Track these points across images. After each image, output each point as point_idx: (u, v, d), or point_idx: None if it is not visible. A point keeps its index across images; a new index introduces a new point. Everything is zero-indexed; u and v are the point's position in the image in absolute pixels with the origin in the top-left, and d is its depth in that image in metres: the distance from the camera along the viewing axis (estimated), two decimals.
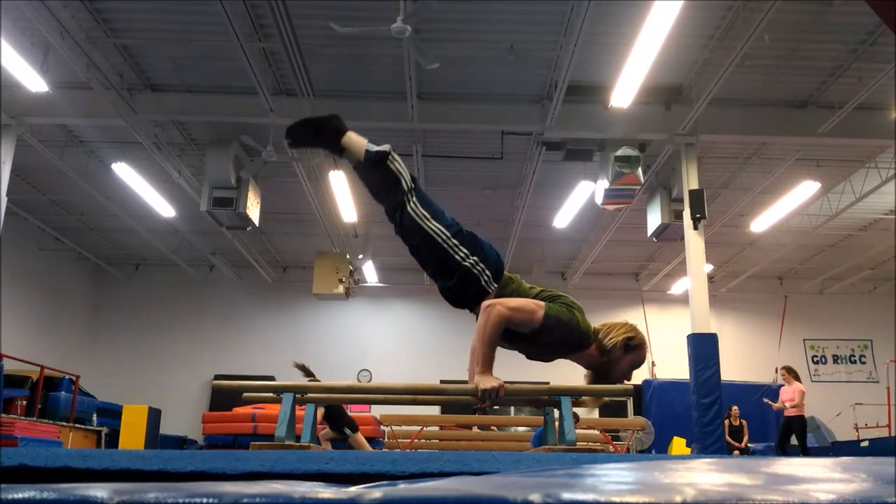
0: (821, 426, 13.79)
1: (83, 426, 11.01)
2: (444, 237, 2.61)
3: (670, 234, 10.21)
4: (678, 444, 11.66)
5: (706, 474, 0.68)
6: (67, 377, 11.25)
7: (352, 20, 7.11)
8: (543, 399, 3.15)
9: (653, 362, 15.22)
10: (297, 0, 7.11)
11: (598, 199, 9.81)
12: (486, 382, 2.51)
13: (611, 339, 2.64)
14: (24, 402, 10.13)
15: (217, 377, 14.48)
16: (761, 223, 12.03)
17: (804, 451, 10.52)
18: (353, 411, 11.74)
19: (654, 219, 10.21)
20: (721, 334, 9.44)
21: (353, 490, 0.57)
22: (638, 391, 14.44)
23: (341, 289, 12.94)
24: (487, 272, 2.62)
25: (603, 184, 9.49)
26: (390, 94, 8.77)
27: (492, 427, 11.70)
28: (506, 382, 2.54)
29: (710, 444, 8.24)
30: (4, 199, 9.00)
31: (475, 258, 2.62)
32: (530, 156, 10.11)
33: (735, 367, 13.78)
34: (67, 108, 8.79)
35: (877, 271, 15.09)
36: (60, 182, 11.28)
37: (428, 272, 2.76)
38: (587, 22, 6.85)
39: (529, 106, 9.12)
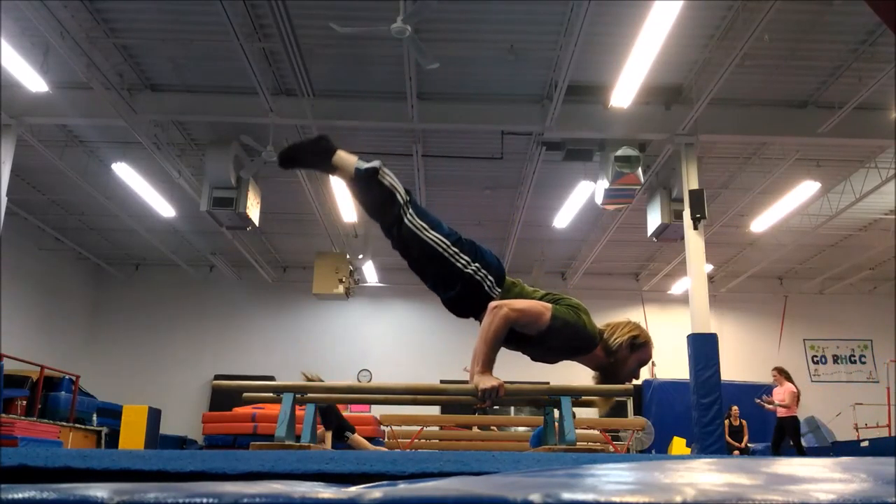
0: (821, 426, 13.80)
1: (83, 426, 11.01)
2: (443, 246, 2.60)
3: (670, 234, 10.21)
4: (678, 444, 11.66)
5: (706, 474, 0.68)
6: (67, 377, 11.25)
7: (352, 20, 7.11)
8: (543, 399, 3.15)
9: (653, 362, 15.21)
10: (297, 0, 7.11)
11: (598, 199, 9.81)
12: (485, 382, 2.51)
13: (616, 339, 2.65)
14: (24, 402, 10.13)
15: (217, 377, 14.49)
16: (761, 223, 12.03)
17: (800, 451, 10.53)
18: (353, 411, 11.76)
19: (654, 219, 10.21)
20: (721, 334, 9.45)
21: (353, 490, 0.57)
22: (638, 391, 14.45)
23: (341, 289, 12.94)
24: (490, 278, 2.62)
25: (603, 184, 9.49)
26: (390, 94, 8.77)
27: (492, 427, 11.70)
28: (506, 382, 2.54)
29: (710, 444, 8.24)
30: (4, 199, 9.00)
31: (477, 265, 2.62)
32: (530, 156, 10.11)
33: (735, 367, 13.78)
34: (67, 108, 8.79)
35: (877, 271, 15.09)
36: (60, 182, 11.29)
37: (429, 284, 2.74)
38: (587, 22, 6.86)
39: (529, 106, 9.12)
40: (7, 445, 7.67)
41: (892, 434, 12.83)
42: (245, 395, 3.21)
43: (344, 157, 2.70)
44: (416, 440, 9.30)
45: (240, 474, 0.91)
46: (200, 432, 11.56)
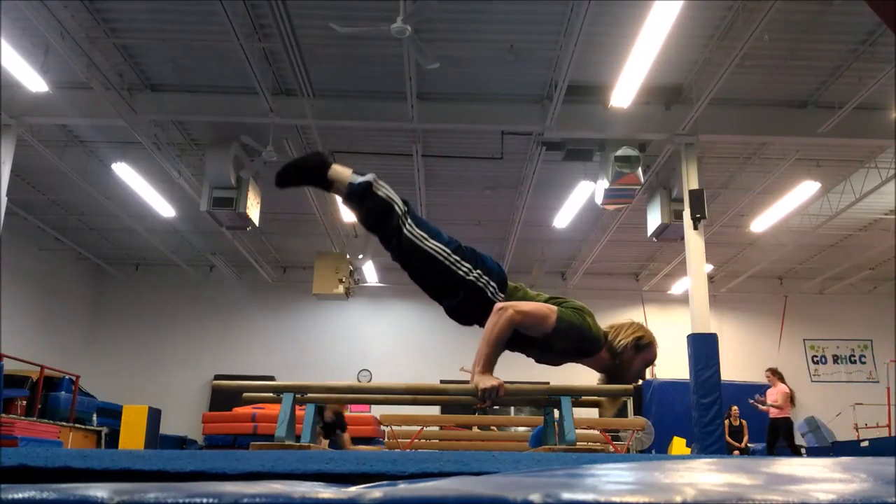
0: (821, 426, 13.78)
1: (83, 426, 11.01)
2: (444, 255, 2.60)
3: (670, 234, 10.21)
4: (678, 444, 11.65)
5: (706, 474, 0.68)
6: (67, 377, 11.25)
7: (352, 20, 7.11)
8: (543, 399, 3.15)
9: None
10: (297, 0, 7.12)
11: (598, 199, 9.81)
12: (485, 382, 2.51)
13: (620, 340, 2.65)
14: (24, 402, 10.13)
15: (217, 377, 14.49)
16: (761, 223, 12.03)
17: (794, 451, 10.54)
18: (353, 411, 11.77)
19: (654, 219, 10.21)
20: (721, 334, 9.45)
21: (353, 490, 0.57)
22: (638, 391, 14.44)
23: (341, 289, 12.94)
24: (492, 284, 2.62)
25: (603, 184, 9.49)
26: (390, 94, 8.77)
27: (492, 427, 11.70)
28: (506, 382, 2.54)
29: (710, 444, 8.24)
30: (4, 199, 9.00)
31: (478, 272, 2.61)
32: (530, 156, 10.11)
33: (735, 367, 13.78)
34: (67, 108, 8.79)
35: (877, 271, 15.09)
36: (60, 182, 11.29)
37: (431, 294, 2.73)
38: (587, 22, 6.86)
39: (529, 106, 9.12)
40: (7, 445, 7.67)
41: (892, 434, 12.82)
42: (245, 395, 3.21)
43: (339, 171, 2.69)
44: (416, 440, 9.30)
45: (240, 474, 0.91)
46: (200, 432, 11.56)
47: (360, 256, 13.94)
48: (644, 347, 2.68)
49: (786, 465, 0.76)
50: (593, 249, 13.78)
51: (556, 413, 3.02)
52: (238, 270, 15.79)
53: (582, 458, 1.96)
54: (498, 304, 2.54)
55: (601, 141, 9.35)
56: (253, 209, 9.99)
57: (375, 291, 15.94)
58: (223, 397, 13.44)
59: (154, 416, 11.30)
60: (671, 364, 14.49)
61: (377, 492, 0.55)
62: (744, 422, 11.73)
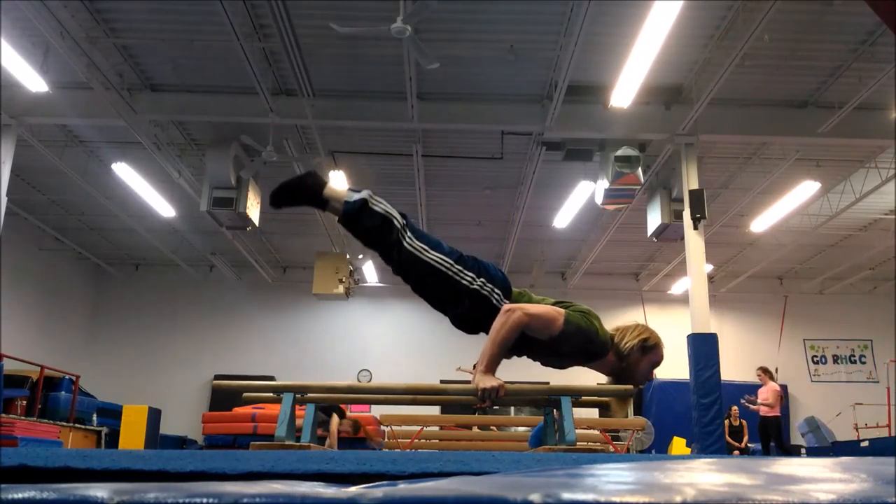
0: (821, 426, 13.79)
1: (83, 426, 11.01)
2: (446, 265, 2.59)
3: (670, 234, 10.21)
4: (678, 444, 11.66)
5: (706, 474, 0.68)
6: (67, 377, 11.25)
7: (352, 20, 7.11)
8: (543, 399, 3.15)
9: None
10: (297, 0, 7.12)
11: (598, 199, 9.82)
12: (486, 382, 2.51)
13: (626, 342, 2.65)
14: (24, 402, 10.13)
15: (217, 377, 14.49)
16: (761, 223, 12.03)
17: (783, 450, 10.54)
18: (353, 411, 11.75)
19: (654, 219, 10.21)
20: (721, 334, 9.45)
21: (353, 490, 0.57)
22: (638, 391, 14.43)
23: (341, 289, 12.94)
24: (497, 291, 2.62)
25: (603, 184, 9.49)
26: (390, 94, 8.77)
27: (492, 427, 11.70)
28: (506, 382, 2.54)
29: (710, 444, 8.24)
30: (4, 199, 9.00)
31: (482, 280, 2.61)
32: (530, 156, 10.11)
33: (735, 367, 13.78)
34: (67, 108, 8.79)
35: (877, 271, 15.09)
36: (60, 182, 11.29)
37: (435, 305, 2.72)
38: (587, 22, 6.86)
39: (529, 106, 9.12)
40: (7, 445, 7.67)
41: (892, 434, 12.82)
42: (245, 395, 3.20)
43: (334, 190, 2.68)
44: (416, 440, 9.30)
45: (240, 474, 0.91)
46: (200, 432, 11.56)
47: (361, 256, 13.95)
48: (650, 349, 2.69)
49: (786, 465, 0.76)
50: (593, 249, 13.78)
51: (556, 413, 3.02)
52: (238, 270, 15.79)
53: (582, 458, 1.96)
54: (506, 306, 2.54)
55: (601, 141, 9.35)
56: (253, 209, 10.00)
57: (375, 291, 15.94)
58: (223, 397, 13.44)
59: (154, 416, 11.30)
60: (671, 364, 14.48)
61: (377, 492, 0.55)
62: (744, 422, 11.73)
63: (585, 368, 2.78)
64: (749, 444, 11.70)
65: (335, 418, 7.68)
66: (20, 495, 0.53)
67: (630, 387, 2.78)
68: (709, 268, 11.96)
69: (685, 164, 9.19)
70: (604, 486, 0.55)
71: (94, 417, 11.69)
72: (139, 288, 16.10)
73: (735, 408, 11.70)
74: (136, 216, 12.37)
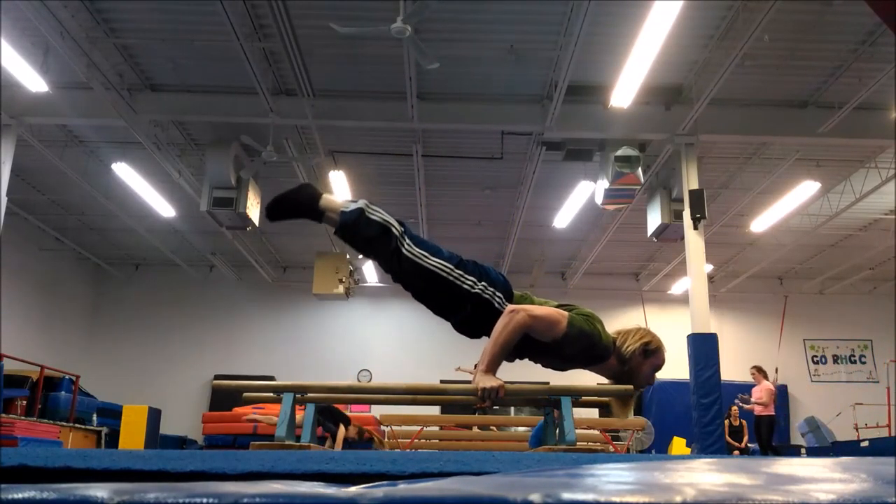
0: (821, 426, 13.79)
1: (83, 426, 11.01)
2: (447, 270, 2.58)
3: (670, 234, 10.21)
4: (678, 444, 11.66)
5: (706, 474, 0.68)
6: (67, 377, 11.25)
7: (352, 20, 7.11)
8: (543, 399, 3.15)
9: None
10: (297, 0, 7.12)
11: (598, 199, 9.81)
12: (486, 382, 2.51)
13: (628, 346, 2.66)
14: (24, 402, 10.13)
15: (217, 377, 14.49)
16: (761, 223, 12.03)
17: (770, 450, 10.55)
18: (353, 411, 11.77)
19: (654, 219, 10.21)
20: (721, 334, 9.45)
21: (353, 490, 0.57)
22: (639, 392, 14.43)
23: (341, 289, 12.94)
24: (498, 295, 2.62)
25: (603, 184, 9.49)
26: (390, 94, 8.77)
27: (492, 427, 11.70)
28: (506, 382, 2.54)
29: (710, 444, 8.24)
30: (4, 199, 9.00)
31: (483, 284, 2.60)
32: (530, 156, 10.11)
33: (735, 367, 13.78)
34: (67, 108, 8.79)
35: (877, 271, 15.09)
36: (60, 182, 11.29)
37: (437, 311, 2.71)
38: (587, 22, 6.86)
39: (529, 106, 9.12)
40: (7, 445, 7.67)
41: (892, 434, 12.82)
42: (245, 395, 3.20)
43: (330, 200, 2.67)
44: (416, 440, 9.30)
45: (240, 474, 0.91)
46: (200, 432, 11.57)
47: (360, 256, 13.93)
48: (652, 353, 2.69)
49: (786, 465, 0.76)
50: (593, 249, 13.78)
51: (556, 413, 3.02)
52: (238, 270, 15.79)
53: (582, 458, 1.96)
54: (510, 307, 2.53)
55: (601, 141, 9.35)
56: (253, 209, 10.00)
57: (375, 291, 15.94)
58: (223, 397, 13.45)
59: (154, 416, 11.30)
60: (671, 364, 14.48)
61: (377, 492, 0.55)
62: (744, 422, 11.73)
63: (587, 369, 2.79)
64: (749, 444, 11.70)
65: (342, 429, 7.67)
66: (20, 495, 0.53)
67: (630, 386, 2.78)
68: (709, 268, 11.96)
69: (685, 164, 9.19)
70: (604, 486, 0.55)
71: (94, 417, 11.69)
72: (139, 288, 16.10)
73: (735, 408, 11.70)
74: (136, 216, 12.37)
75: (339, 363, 15.38)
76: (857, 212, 11.89)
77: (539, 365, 2.84)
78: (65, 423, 10.37)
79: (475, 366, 2.65)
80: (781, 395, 15.49)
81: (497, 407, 3.34)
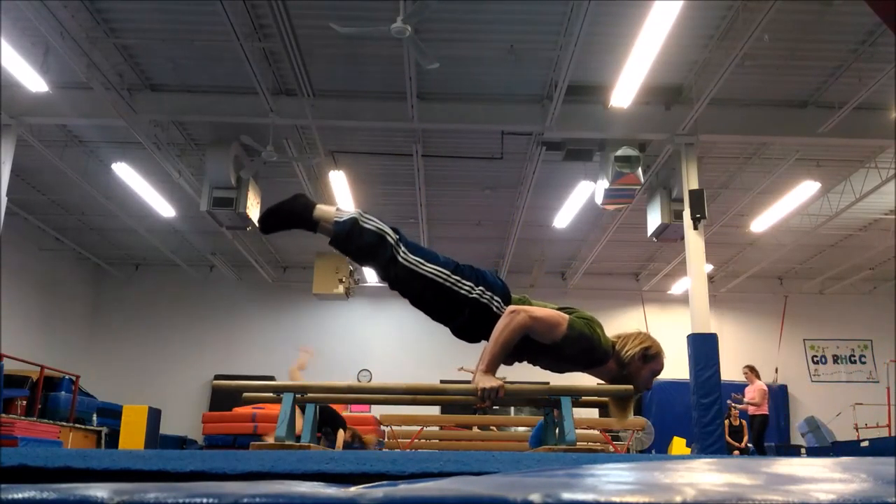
0: (821, 426, 13.79)
1: (83, 426, 11.01)
2: (444, 276, 2.58)
3: (670, 234, 10.21)
4: (678, 444, 11.66)
5: (706, 474, 0.68)
6: (67, 377, 11.25)
7: (352, 20, 7.11)
8: (543, 399, 3.15)
9: None
10: (297, 0, 7.12)
11: (598, 199, 9.81)
12: (486, 382, 2.51)
13: (628, 350, 2.66)
14: (24, 402, 10.13)
15: (217, 377, 14.49)
16: (761, 223, 12.03)
17: (759, 449, 10.55)
18: (353, 411, 11.77)
19: (654, 219, 10.21)
20: (721, 334, 9.45)
21: (353, 490, 0.57)
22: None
23: (341, 289, 12.94)
24: (496, 298, 2.61)
25: (603, 184, 9.49)
26: (390, 94, 8.77)
27: (492, 427, 11.70)
28: (506, 382, 2.54)
29: (710, 444, 8.24)
30: (4, 199, 9.00)
31: (481, 288, 2.60)
32: (530, 156, 10.11)
33: (735, 367, 13.76)
34: (67, 108, 8.79)
35: (877, 271, 15.09)
36: (60, 182, 11.29)
37: (436, 317, 2.71)
38: (587, 22, 6.86)
39: (529, 106, 9.12)
40: (7, 445, 7.67)
41: (892, 434, 12.82)
42: (245, 395, 3.20)
43: (324, 210, 2.67)
44: (416, 440, 9.30)
45: (240, 474, 0.91)
46: (200, 432, 11.56)
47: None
48: (652, 358, 2.69)
49: (786, 465, 0.76)
50: (593, 249, 13.78)
51: (556, 413, 3.02)
52: (238, 270, 15.78)
53: (582, 458, 1.96)
54: (510, 308, 2.53)
55: (601, 141, 9.35)
56: (253, 209, 10.00)
57: (375, 291, 15.93)
58: (223, 397, 13.45)
59: (154, 416, 11.30)
60: (671, 364, 14.48)
61: (377, 492, 0.55)
62: (744, 422, 11.73)
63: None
64: (749, 444, 11.70)
65: (341, 433, 7.66)
66: (20, 495, 0.53)
67: (630, 387, 2.78)
68: (709, 268, 11.96)
69: (685, 164, 9.19)
70: (604, 486, 0.55)
71: (94, 417, 11.69)
72: (139, 288, 16.10)
73: (735, 409, 11.70)
74: (136, 216, 12.37)
75: (339, 363, 15.37)
76: (857, 212, 11.89)
77: (540, 367, 2.84)
78: (65, 423, 10.37)
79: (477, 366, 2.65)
80: (782, 395, 15.52)
81: (497, 407, 3.34)
